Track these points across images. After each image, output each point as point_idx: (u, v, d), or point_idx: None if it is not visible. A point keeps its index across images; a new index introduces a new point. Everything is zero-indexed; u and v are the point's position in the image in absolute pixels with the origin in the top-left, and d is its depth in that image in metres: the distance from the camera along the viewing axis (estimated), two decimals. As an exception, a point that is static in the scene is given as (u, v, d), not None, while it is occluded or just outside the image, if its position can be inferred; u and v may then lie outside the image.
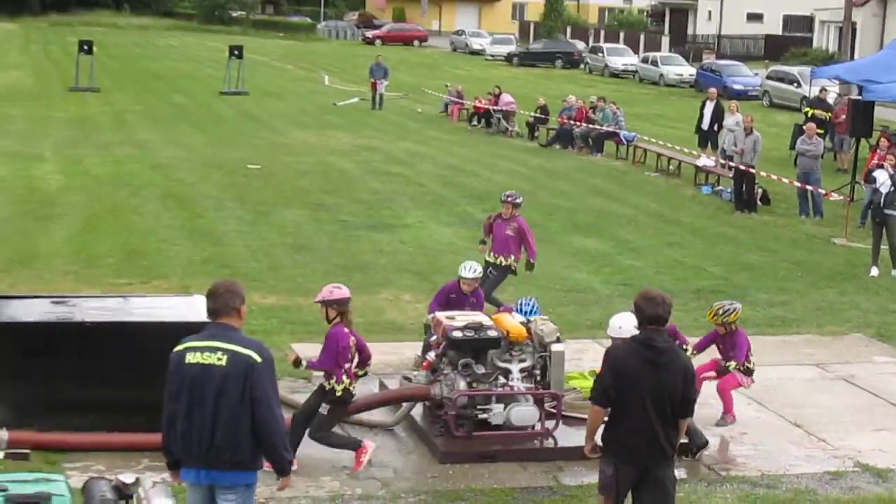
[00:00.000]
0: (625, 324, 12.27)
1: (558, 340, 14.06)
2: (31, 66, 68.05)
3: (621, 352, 10.15)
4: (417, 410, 14.17)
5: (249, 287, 20.06)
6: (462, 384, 13.47)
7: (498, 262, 18.61)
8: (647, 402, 9.77)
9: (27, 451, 12.45)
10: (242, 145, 38.87)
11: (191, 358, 8.91)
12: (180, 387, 8.91)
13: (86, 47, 55.64)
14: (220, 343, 8.91)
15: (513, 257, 18.66)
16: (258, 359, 8.88)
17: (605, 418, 10.13)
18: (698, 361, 14.28)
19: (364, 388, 15.09)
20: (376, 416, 14.12)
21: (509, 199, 18.82)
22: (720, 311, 14.69)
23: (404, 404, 14.04)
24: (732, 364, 14.57)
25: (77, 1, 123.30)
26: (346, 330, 12.60)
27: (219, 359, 8.84)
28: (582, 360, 16.58)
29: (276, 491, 9.60)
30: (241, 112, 49.92)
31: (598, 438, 10.34)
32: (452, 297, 15.69)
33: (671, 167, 36.78)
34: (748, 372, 14.86)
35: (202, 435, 8.83)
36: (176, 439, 8.98)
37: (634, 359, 9.86)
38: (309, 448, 12.82)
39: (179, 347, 9.07)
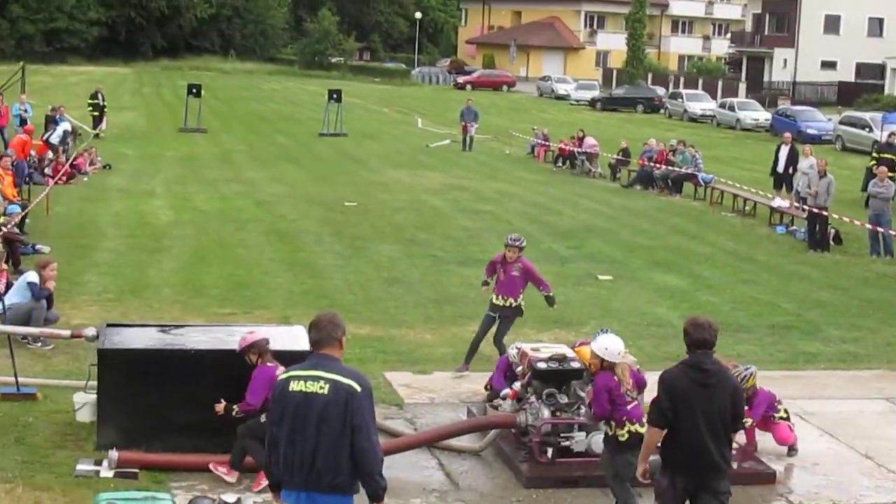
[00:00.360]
0: (611, 346, 12.10)
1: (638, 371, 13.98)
2: (144, 108, 68.92)
3: (674, 376, 10.38)
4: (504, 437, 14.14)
5: (346, 318, 20.12)
6: (546, 413, 13.44)
7: (508, 304, 17.39)
8: (700, 421, 10.11)
9: (136, 470, 12.56)
10: (340, 184, 39.07)
11: (294, 386, 8.88)
12: (283, 413, 8.90)
13: (194, 90, 56.29)
14: (322, 372, 8.89)
15: (521, 297, 17.53)
16: (358, 388, 8.84)
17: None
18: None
19: (453, 416, 15.12)
20: (464, 441, 14.11)
21: (515, 242, 17.46)
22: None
23: (491, 431, 14.02)
24: (749, 421, 14.31)
25: (186, 47, 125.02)
26: (271, 365, 12.60)
27: (321, 387, 8.81)
28: (661, 391, 16.47)
29: None
30: (339, 152, 50.20)
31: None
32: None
33: (747, 208, 36.49)
34: (785, 419, 14.70)
35: (303, 459, 8.81)
36: (278, 462, 8.95)
37: (686, 381, 10.20)
38: (399, 471, 12.83)
39: (284, 376, 9.07)
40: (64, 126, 40.87)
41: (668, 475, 10.35)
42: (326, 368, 8.90)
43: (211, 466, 12.71)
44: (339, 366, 8.98)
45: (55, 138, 39.15)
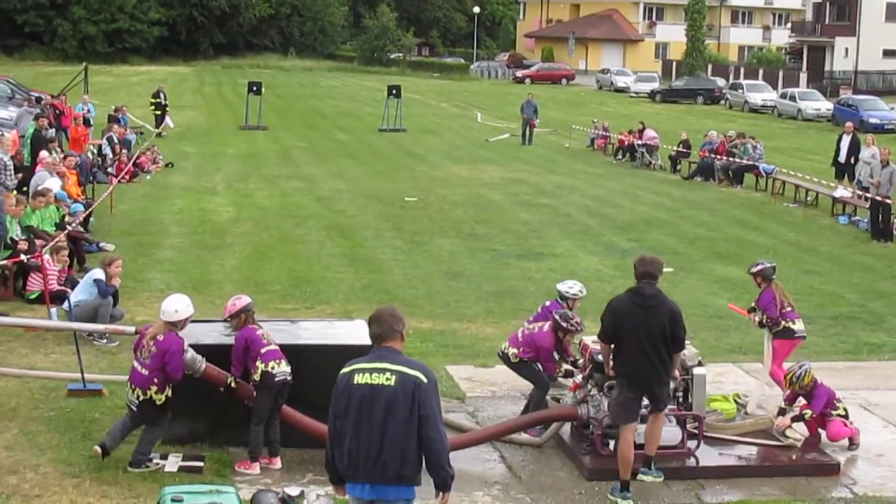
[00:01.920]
0: (167, 306, 12.94)
1: (700, 364, 13.94)
2: (205, 107, 69.35)
3: (618, 300, 12.43)
4: (565, 429, 14.13)
5: (406, 312, 20.12)
6: (607, 405, 13.42)
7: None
8: (642, 337, 12.05)
9: (201, 464, 12.68)
10: (400, 179, 39.17)
11: (359, 379, 8.94)
12: (348, 405, 8.95)
13: (255, 88, 56.56)
14: (387, 364, 8.94)
15: None
16: (425, 379, 8.91)
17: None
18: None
19: (515, 409, 15.12)
20: (526, 434, 14.10)
21: (580, 327, 14.59)
22: (794, 379, 14.39)
23: (553, 423, 14.01)
24: (809, 413, 14.22)
25: (246, 45, 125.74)
26: (252, 326, 13.08)
27: (387, 379, 8.87)
28: (723, 382, 16.41)
29: None
30: (398, 147, 50.32)
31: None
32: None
33: (809, 198, 36.27)
34: (843, 416, 14.46)
35: (370, 450, 8.87)
36: (342, 455, 9.00)
37: (628, 304, 12.22)
38: (461, 464, 12.84)
39: (347, 369, 9.09)
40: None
41: (620, 386, 12.39)
42: (391, 360, 8.96)
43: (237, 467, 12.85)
44: (404, 358, 9.05)
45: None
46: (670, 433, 13.36)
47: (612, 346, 12.43)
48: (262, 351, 12.67)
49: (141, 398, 12.58)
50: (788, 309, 15.75)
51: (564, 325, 14.39)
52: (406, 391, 8.84)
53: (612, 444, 13.28)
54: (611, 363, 12.69)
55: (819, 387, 14.41)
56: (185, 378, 12.77)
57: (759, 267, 16.01)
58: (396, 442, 8.85)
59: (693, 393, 13.75)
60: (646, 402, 12.67)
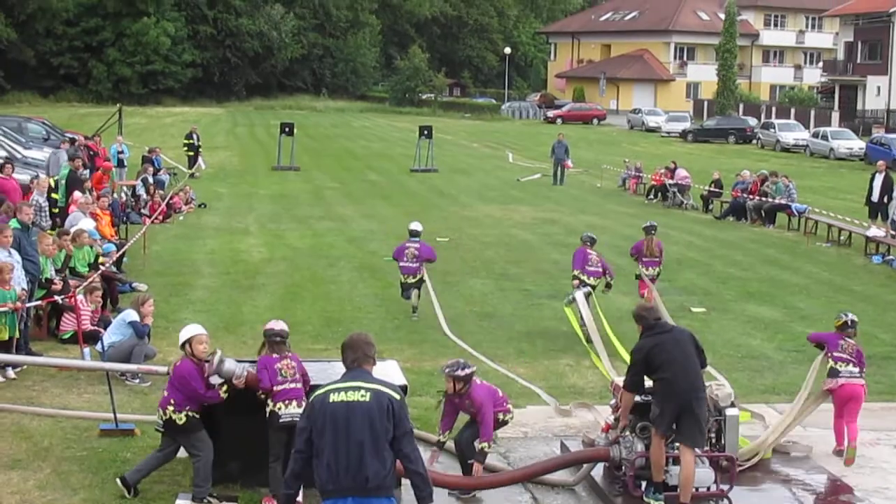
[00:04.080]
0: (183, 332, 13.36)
1: (733, 405, 13.86)
2: (238, 147, 69.64)
3: (645, 343, 12.98)
4: (597, 471, 14.05)
5: (438, 353, 20.23)
6: (640, 446, 13.33)
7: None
8: (677, 358, 12.71)
9: (236, 494, 12.67)
10: (432, 219, 39.16)
11: (334, 397, 9.36)
12: (324, 423, 9.31)
13: (287, 129, 56.85)
14: (361, 383, 9.41)
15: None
16: (397, 396, 9.39)
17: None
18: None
19: (546, 450, 15.06)
20: (558, 475, 14.04)
21: (447, 371, 13.37)
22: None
23: (585, 465, 13.94)
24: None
25: (279, 86, 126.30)
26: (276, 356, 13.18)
27: (362, 395, 9.30)
28: (755, 423, 16.30)
29: None
30: (430, 188, 50.40)
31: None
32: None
33: (842, 238, 36.14)
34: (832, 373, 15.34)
35: (349, 464, 9.20)
36: (321, 472, 9.30)
37: (652, 338, 12.91)
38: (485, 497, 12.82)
39: (321, 391, 9.51)
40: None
41: (660, 404, 12.78)
42: (364, 379, 9.45)
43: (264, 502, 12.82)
44: (376, 378, 9.55)
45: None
46: (702, 475, 13.26)
47: (640, 390, 13.16)
48: (276, 389, 12.73)
49: (163, 418, 12.80)
50: (647, 258, 23.71)
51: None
52: (381, 406, 9.27)
53: (643, 485, 13.21)
54: (627, 417, 13.41)
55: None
56: (216, 417, 12.80)
57: (646, 224, 24.11)
58: (375, 455, 9.21)
59: (726, 434, 13.66)
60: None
